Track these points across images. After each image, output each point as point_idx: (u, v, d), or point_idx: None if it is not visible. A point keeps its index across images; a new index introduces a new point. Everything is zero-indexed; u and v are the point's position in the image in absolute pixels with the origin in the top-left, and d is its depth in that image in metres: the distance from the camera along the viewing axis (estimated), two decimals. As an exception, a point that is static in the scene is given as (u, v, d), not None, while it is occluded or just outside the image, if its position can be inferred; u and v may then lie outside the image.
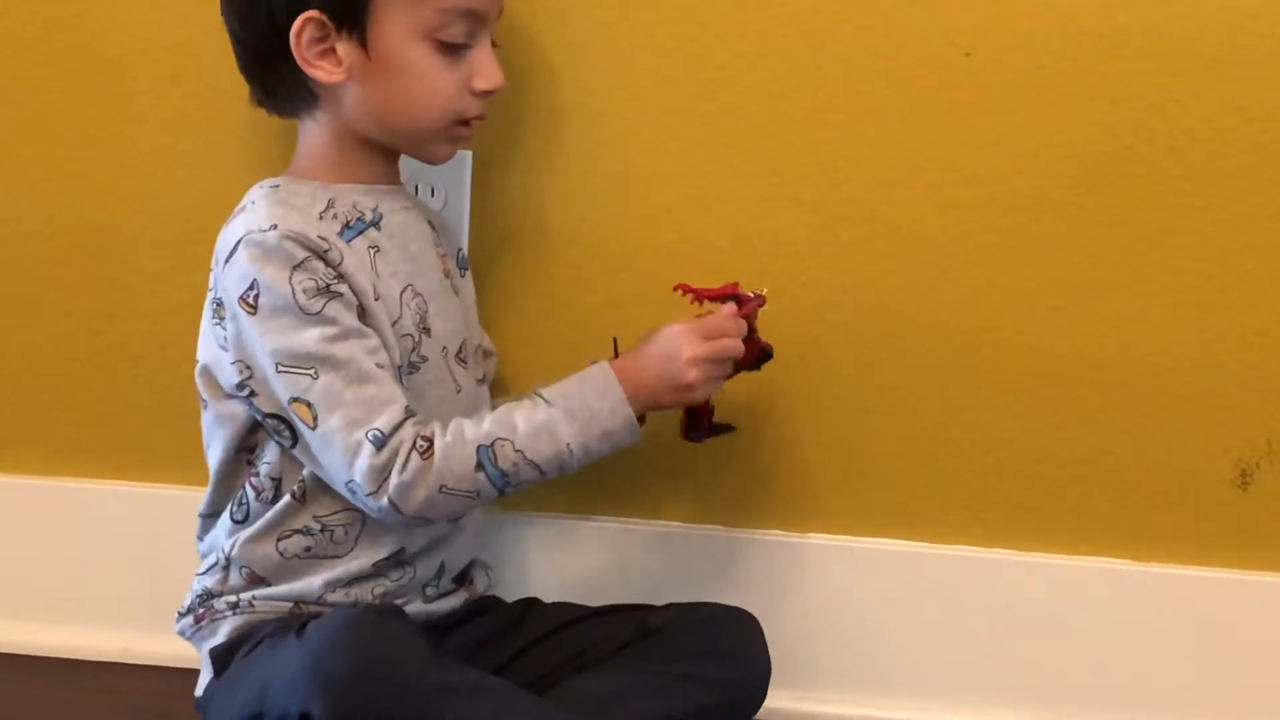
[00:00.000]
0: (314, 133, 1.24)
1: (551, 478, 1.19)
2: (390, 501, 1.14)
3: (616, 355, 1.24)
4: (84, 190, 1.43)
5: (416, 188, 1.39)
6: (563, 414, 1.18)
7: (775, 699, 1.36)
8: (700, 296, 1.27)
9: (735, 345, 1.23)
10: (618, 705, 1.21)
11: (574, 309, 1.40)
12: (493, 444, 1.16)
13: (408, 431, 1.14)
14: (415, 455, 1.14)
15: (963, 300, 1.39)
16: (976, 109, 1.36)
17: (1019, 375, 1.40)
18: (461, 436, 1.16)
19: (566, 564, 1.44)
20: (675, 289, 1.27)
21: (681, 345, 1.21)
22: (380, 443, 1.13)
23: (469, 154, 1.39)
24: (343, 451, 1.14)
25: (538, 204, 1.40)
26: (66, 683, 1.42)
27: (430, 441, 1.15)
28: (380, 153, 1.25)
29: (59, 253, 1.44)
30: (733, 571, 1.42)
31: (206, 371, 1.21)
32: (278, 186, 1.20)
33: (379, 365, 1.16)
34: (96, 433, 1.47)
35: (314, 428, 1.14)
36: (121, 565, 1.46)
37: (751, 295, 1.26)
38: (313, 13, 1.17)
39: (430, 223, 1.29)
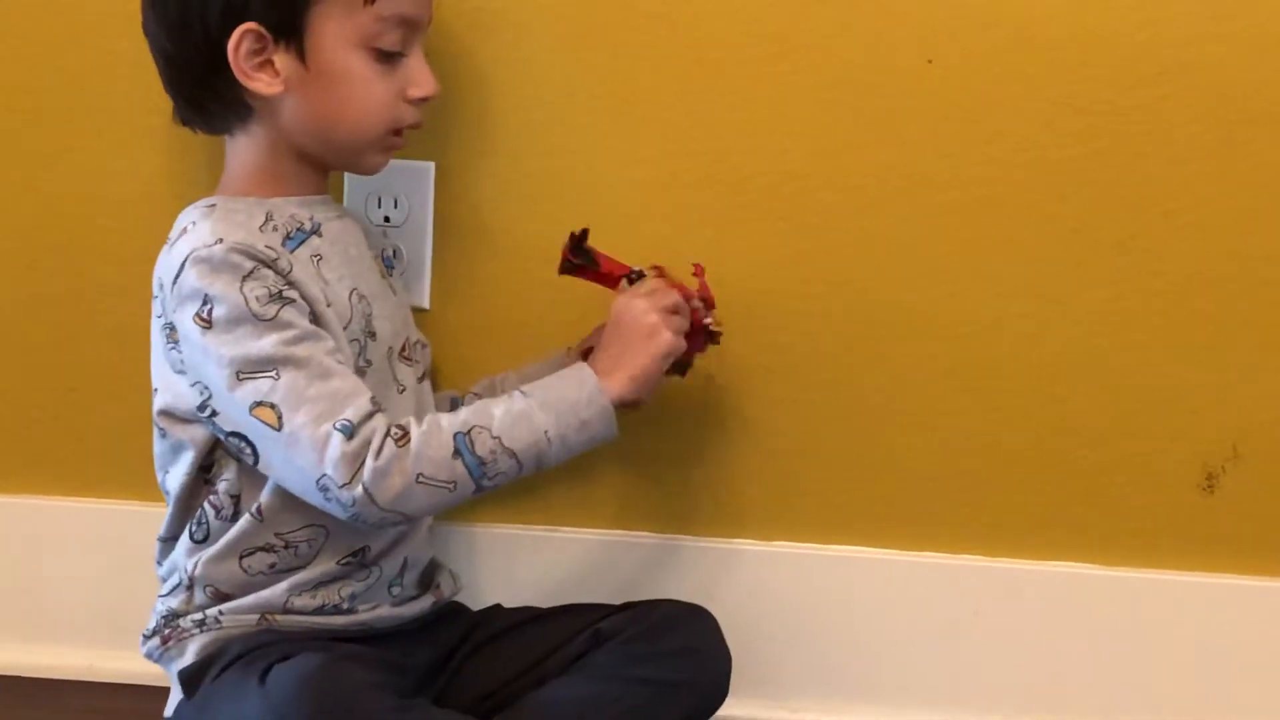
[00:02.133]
0: (246, 147, 1.23)
1: (529, 472, 1.17)
2: (365, 490, 1.11)
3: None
4: (45, 208, 1.42)
5: (380, 200, 1.39)
6: (539, 404, 1.17)
7: (743, 707, 1.37)
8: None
9: (673, 293, 1.26)
10: (589, 717, 1.20)
11: (539, 319, 1.40)
12: (469, 431, 1.15)
13: (379, 421, 1.14)
14: (390, 442, 1.13)
15: (929, 307, 1.39)
16: (940, 116, 1.36)
17: (986, 381, 1.40)
18: (438, 425, 1.15)
19: (533, 576, 1.43)
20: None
21: (628, 300, 1.24)
22: (350, 431, 1.12)
23: (431, 165, 1.38)
24: (311, 446, 1.12)
25: (501, 214, 1.40)
26: (33, 702, 1.41)
27: (405, 430, 1.14)
28: (312, 165, 1.25)
29: (21, 270, 1.43)
30: (701, 581, 1.42)
31: (164, 399, 1.20)
32: (214, 206, 1.20)
33: (339, 363, 1.16)
34: (60, 450, 1.46)
35: (280, 428, 1.12)
36: (87, 583, 1.45)
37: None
38: (250, 24, 1.16)
39: (361, 227, 1.30)
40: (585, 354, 1.30)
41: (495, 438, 1.15)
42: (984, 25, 1.34)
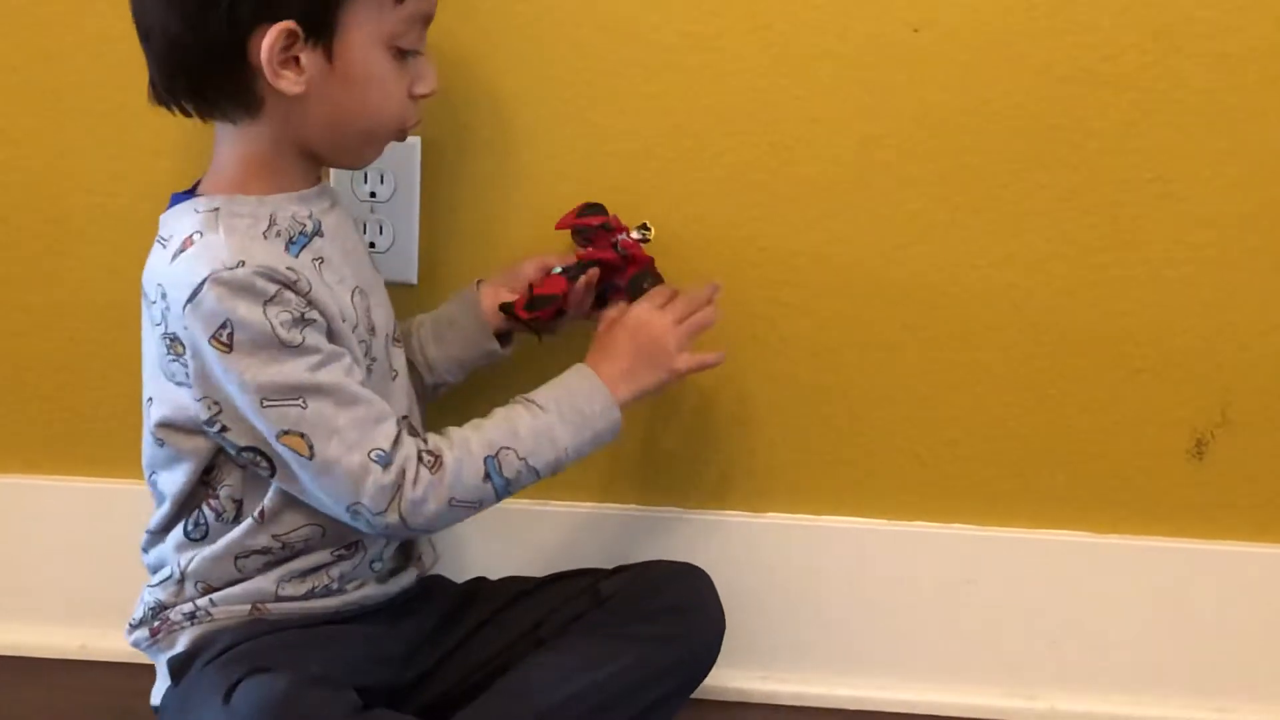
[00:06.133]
0: (249, 138, 1.19)
1: (544, 478, 1.21)
2: (401, 517, 1.14)
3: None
4: (29, 185, 1.41)
5: (366, 175, 1.38)
6: (558, 419, 1.20)
7: (734, 678, 1.38)
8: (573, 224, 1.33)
9: (709, 315, 1.29)
10: (577, 678, 1.21)
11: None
12: (498, 453, 1.18)
13: (410, 447, 1.15)
14: (425, 470, 1.15)
15: (916, 277, 1.39)
16: (926, 85, 1.35)
17: (975, 351, 1.40)
18: (468, 449, 1.17)
19: (520, 549, 1.43)
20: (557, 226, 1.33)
21: (649, 314, 1.26)
22: (386, 461, 1.13)
23: (418, 140, 1.38)
24: (347, 477, 1.13)
25: (486, 189, 1.39)
26: (24, 682, 1.41)
27: (436, 456, 1.16)
28: (309, 158, 1.22)
29: (7, 248, 1.43)
30: (690, 552, 1.41)
31: (163, 410, 1.17)
32: (216, 210, 1.16)
33: (360, 382, 1.16)
34: (46, 428, 1.46)
35: (311, 457, 1.13)
36: (76, 561, 1.45)
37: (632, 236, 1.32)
38: (287, 23, 1.13)
39: (349, 211, 1.29)
40: (495, 293, 1.32)
41: (522, 459, 1.19)
42: (969, -7, 1.34)
